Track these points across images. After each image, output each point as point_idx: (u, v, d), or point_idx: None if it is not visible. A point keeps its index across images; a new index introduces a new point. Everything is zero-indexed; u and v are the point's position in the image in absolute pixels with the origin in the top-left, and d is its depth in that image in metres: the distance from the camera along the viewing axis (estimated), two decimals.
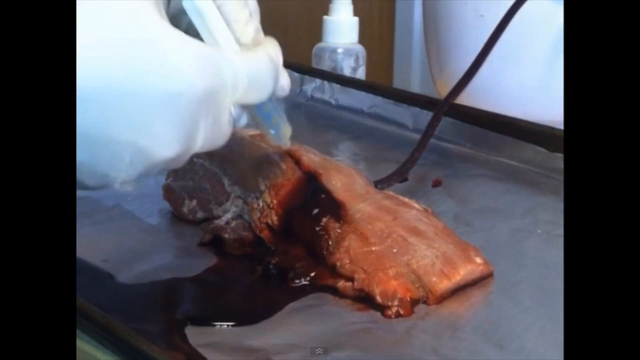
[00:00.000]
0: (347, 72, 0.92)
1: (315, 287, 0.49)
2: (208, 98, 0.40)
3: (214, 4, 0.43)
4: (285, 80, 0.46)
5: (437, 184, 0.65)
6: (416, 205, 0.54)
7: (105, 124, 0.37)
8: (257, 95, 0.44)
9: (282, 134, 0.47)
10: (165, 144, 0.40)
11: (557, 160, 0.66)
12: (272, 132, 0.47)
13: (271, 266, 0.51)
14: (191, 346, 0.44)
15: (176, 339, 0.45)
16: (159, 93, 0.38)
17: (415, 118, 0.76)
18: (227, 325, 0.45)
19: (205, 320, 0.46)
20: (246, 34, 0.44)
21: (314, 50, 0.93)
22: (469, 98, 0.75)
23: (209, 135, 0.41)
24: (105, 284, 0.50)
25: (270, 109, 0.46)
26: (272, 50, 0.45)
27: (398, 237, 0.50)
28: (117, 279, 0.51)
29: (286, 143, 0.48)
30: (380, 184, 0.60)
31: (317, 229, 0.51)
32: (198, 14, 0.43)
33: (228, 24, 0.44)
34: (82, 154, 0.38)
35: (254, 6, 0.46)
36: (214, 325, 0.46)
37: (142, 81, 0.38)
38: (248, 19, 0.45)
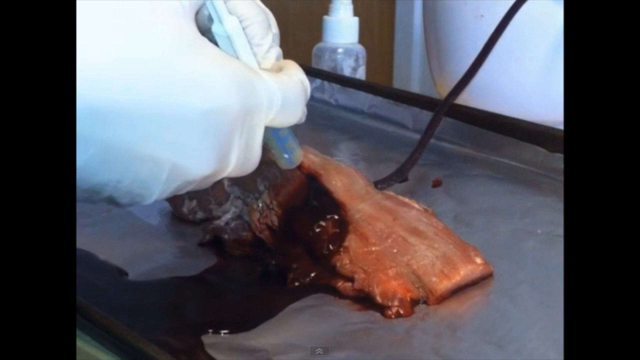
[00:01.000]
0: (347, 72, 0.92)
1: (315, 287, 0.49)
2: (244, 116, 0.41)
3: (242, 31, 0.43)
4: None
5: (437, 184, 0.65)
6: (416, 206, 0.54)
7: (144, 141, 0.38)
8: (289, 118, 0.44)
9: (295, 158, 0.47)
10: (201, 161, 0.40)
11: (557, 160, 0.66)
12: (286, 156, 0.46)
13: (271, 266, 0.51)
14: (194, 346, 0.44)
15: (176, 339, 0.45)
16: (196, 110, 0.39)
17: (415, 118, 0.76)
18: (223, 333, 0.45)
19: (203, 327, 0.46)
20: (268, 60, 0.44)
21: (314, 50, 0.93)
22: (469, 98, 0.75)
23: (242, 155, 0.42)
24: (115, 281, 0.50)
25: (287, 133, 0.46)
26: (301, 75, 0.44)
27: (398, 238, 0.50)
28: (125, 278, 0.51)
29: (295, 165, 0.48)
30: (380, 184, 0.60)
31: (317, 229, 0.51)
32: (227, 39, 0.43)
33: (250, 48, 0.44)
34: (120, 172, 0.38)
35: (276, 30, 0.45)
36: (212, 333, 0.46)
37: (180, 97, 0.38)
38: (271, 44, 0.44)
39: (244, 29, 0.43)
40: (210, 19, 0.43)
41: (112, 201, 0.39)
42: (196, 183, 0.41)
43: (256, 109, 0.41)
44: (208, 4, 0.42)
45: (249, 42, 0.44)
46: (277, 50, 0.45)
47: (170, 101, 0.38)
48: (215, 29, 0.43)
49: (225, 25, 0.43)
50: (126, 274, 0.51)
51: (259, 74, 0.42)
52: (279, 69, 0.45)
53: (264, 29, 0.44)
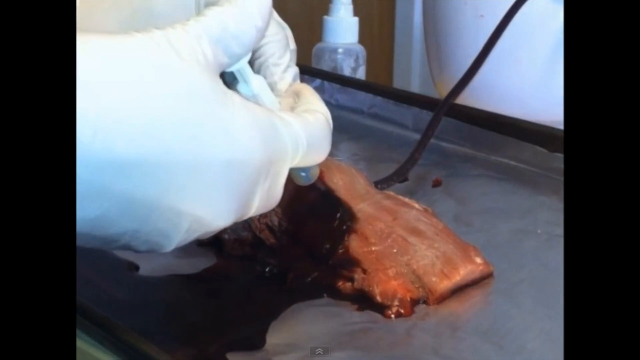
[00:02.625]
0: (347, 72, 0.92)
1: (315, 287, 0.49)
2: (268, 165, 0.40)
3: (268, 87, 0.42)
4: None
5: (437, 184, 0.65)
6: (416, 205, 0.54)
7: (165, 193, 0.37)
8: (314, 158, 0.43)
9: (312, 175, 0.46)
10: (224, 211, 0.39)
11: (557, 160, 0.66)
12: (303, 174, 0.45)
13: (271, 266, 0.51)
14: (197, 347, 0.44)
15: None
16: (220, 161, 0.38)
17: (415, 118, 0.76)
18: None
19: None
20: (284, 81, 0.44)
21: (314, 50, 0.93)
22: (469, 98, 0.75)
23: (264, 199, 0.41)
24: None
25: None
26: (323, 108, 0.44)
27: (398, 237, 0.50)
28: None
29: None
30: (380, 184, 0.60)
31: (317, 229, 0.51)
32: (253, 97, 0.42)
33: (267, 67, 0.43)
34: (139, 223, 0.37)
35: (293, 46, 0.45)
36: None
37: (204, 149, 0.37)
38: (288, 63, 0.44)
39: (261, 46, 0.43)
40: (234, 77, 0.42)
41: (130, 248, 0.38)
42: (216, 231, 0.40)
43: (281, 156, 0.40)
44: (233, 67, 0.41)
45: (266, 61, 0.43)
46: (294, 70, 0.44)
47: (194, 153, 0.37)
48: (241, 89, 0.42)
49: (252, 86, 0.42)
50: (137, 268, 0.51)
51: (285, 118, 0.41)
52: (296, 94, 0.44)
53: (282, 48, 0.43)
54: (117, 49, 0.36)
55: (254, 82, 0.42)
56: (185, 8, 0.42)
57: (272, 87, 0.44)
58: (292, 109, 0.43)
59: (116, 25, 0.42)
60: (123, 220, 0.36)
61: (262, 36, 0.41)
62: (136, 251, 0.39)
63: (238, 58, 0.40)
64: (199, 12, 0.41)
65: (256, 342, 0.44)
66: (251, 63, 0.43)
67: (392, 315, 0.47)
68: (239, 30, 0.39)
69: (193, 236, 0.39)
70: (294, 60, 0.45)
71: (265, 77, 0.44)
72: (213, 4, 0.40)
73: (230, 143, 0.38)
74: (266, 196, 0.41)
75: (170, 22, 0.39)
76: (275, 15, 0.43)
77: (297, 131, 0.41)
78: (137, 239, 0.38)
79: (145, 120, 0.36)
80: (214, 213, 0.38)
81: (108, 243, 0.38)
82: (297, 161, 0.42)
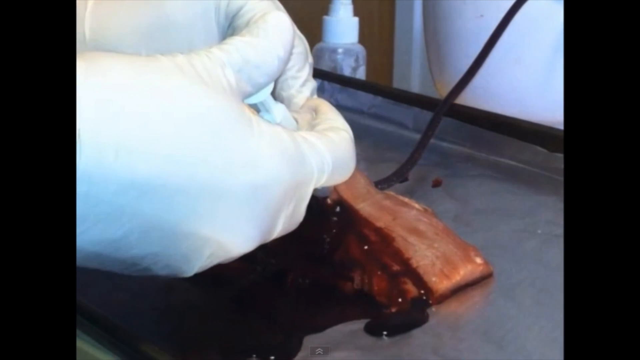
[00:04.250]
0: (347, 72, 0.92)
1: (315, 287, 0.49)
2: (294, 189, 0.39)
3: (290, 115, 0.42)
4: None
5: (437, 184, 0.65)
6: (416, 205, 0.54)
7: (187, 217, 0.36)
8: (340, 177, 0.42)
9: (329, 188, 0.46)
10: (247, 239, 0.38)
11: (557, 160, 0.66)
12: (319, 188, 0.45)
13: (271, 266, 0.51)
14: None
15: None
16: (245, 186, 0.37)
17: (415, 118, 0.76)
18: None
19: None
20: (302, 95, 0.43)
21: (314, 50, 0.93)
22: (469, 98, 0.75)
23: (287, 224, 0.40)
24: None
25: None
26: (346, 125, 0.43)
27: (398, 237, 0.50)
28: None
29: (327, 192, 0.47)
30: (380, 184, 0.60)
31: (317, 228, 0.51)
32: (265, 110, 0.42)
33: (285, 80, 0.42)
34: (162, 246, 0.37)
35: (311, 59, 0.44)
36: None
37: (229, 174, 0.37)
38: (307, 78, 0.43)
39: None
40: (255, 107, 0.41)
41: (149, 272, 0.38)
42: (238, 256, 0.39)
43: (307, 180, 0.40)
44: (253, 98, 0.40)
45: (285, 74, 0.42)
46: (312, 85, 0.44)
47: (218, 179, 0.36)
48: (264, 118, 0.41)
49: (274, 115, 0.41)
50: None
51: (310, 141, 0.40)
52: (314, 109, 0.43)
53: (302, 61, 0.43)
54: (141, 71, 0.35)
55: (275, 112, 0.42)
56: (205, 18, 0.42)
57: (290, 100, 0.43)
58: (312, 126, 0.43)
59: (133, 36, 0.42)
60: (145, 243, 0.36)
61: (285, 65, 0.40)
62: (156, 276, 0.38)
63: (261, 87, 0.40)
64: (217, 22, 0.41)
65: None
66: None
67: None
68: (261, 61, 0.39)
69: (215, 262, 0.39)
70: (311, 73, 0.44)
71: (282, 90, 0.44)
72: (235, 29, 0.39)
73: (256, 170, 0.37)
74: (289, 220, 0.40)
75: (188, 33, 0.39)
76: (295, 28, 0.42)
77: (322, 153, 0.41)
78: (157, 263, 0.37)
79: (168, 143, 0.35)
80: (237, 239, 0.38)
81: (128, 267, 0.37)
82: (323, 182, 0.41)
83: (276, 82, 0.43)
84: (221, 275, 0.51)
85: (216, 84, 0.37)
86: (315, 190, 0.43)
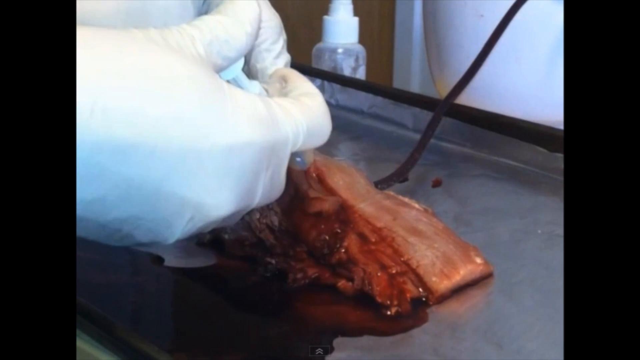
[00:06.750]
0: (347, 72, 0.92)
1: (315, 287, 0.49)
2: (269, 152, 0.40)
3: (266, 92, 0.43)
4: None
5: (437, 184, 0.65)
6: (416, 205, 0.54)
7: (166, 177, 0.37)
8: (316, 142, 0.43)
9: (307, 159, 0.47)
10: (225, 201, 0.39)
11: (557, 160, 0.66)
12: (298, 159, 0.46)
13: (271, 266, 0.51)
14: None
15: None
16: (220, 149, 0.38)
17: (415, 118, 0.76)
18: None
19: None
20: (275, 67, 0.44)
21: (314, 50, 0.93)
22: (469, 98, 0.75)
23: (267, 189, 0.41)
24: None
25: None
26: (316, 90, 0.44)
27: (398, 237, 0.50)
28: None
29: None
30: (380, 184, 0.60)
31: (317, 229, 0.51)
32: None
33: (259, 53, 0.43)
34: (140, 208, 0.37)
35: (284, 35, 0.45)
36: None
37: (204, 135, 0.38)
38: (281, 50, 0.44)
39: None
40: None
41: (132, 239, 0.39)
42: (220, 222, 0.40)
43: (282, 143, 0.41)
44: (225, 74, 0.42)
45: (259, 47, 0.43)
46: (286, 57, 0.45)
47: (193, 140, 0.37)
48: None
49: (249, 91, 0.42)
50: (162, 260, 0.51)
51: (284, 106, 0.42)
52: (283, 78, 0.44)
53: (276, 34, 0.44)
54: (116, 37, 0.37)
55: (250, 89, 0.43)
56: (183, 9, 0.43)
57: (264, 72, 0.45)
58: (283, 94, 0.44)
59: (111, 19, 0.43)
60: (124, 204, 0.37)
61: (253, 41, 0.42)
62: (139, 243, 0.39)
63: (231, 61, 0.41)
64: (194, 5, 0.42)
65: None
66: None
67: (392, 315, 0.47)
68: (229, 36, 0.40)
69: (196, 227, 0.39)
70: (285, 49, 0.45)
71: (257, 62, 0.45)
72: (209, 10, 0.41)
73: (230, 131, 0.38)
74: (269, 185, 0.41)
75: (166, 16, 0.40)
76: (268, 3, 0.44)
77: (297, 117, 0.42)
78: (139, 227, 0.38)
79: (143, 103, 0.36)
80: (216, 201, 0.39)
81: (112, 233, 0.38)
82: (299, 146, 0.42)
83: (250, 55, 0.45)
84: (221, 275, 0.52)
85: (187, 54, 0.39)
86: (294, 161, 0.44)
